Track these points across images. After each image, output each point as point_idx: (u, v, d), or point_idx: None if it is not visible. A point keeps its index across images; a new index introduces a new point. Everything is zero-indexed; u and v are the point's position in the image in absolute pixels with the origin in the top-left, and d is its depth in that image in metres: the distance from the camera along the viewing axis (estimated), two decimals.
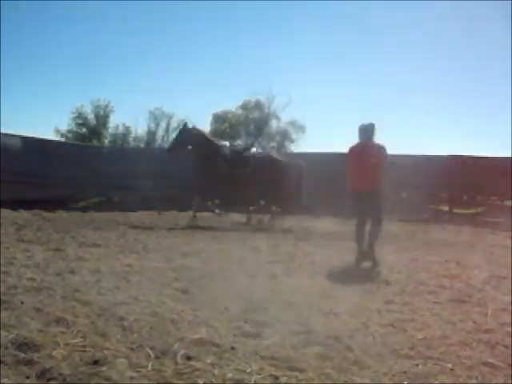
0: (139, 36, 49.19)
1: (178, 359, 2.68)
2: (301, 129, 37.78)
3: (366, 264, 5.79)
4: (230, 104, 39.43)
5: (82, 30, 47.65)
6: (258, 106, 37.71)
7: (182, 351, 2.77)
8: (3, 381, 2.34)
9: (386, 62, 47.12)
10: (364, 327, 3.40)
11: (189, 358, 2.69)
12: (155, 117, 37.08)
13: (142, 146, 34.84)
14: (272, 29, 45.91)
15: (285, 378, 2.51)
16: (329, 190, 11.26)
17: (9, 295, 3.75)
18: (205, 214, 10.59)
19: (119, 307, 3.59)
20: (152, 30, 47.52)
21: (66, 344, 2.83)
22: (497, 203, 12.43)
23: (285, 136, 38.09)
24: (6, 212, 9.14)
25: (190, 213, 9.97)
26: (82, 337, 2.96)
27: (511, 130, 47.72)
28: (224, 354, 2.79)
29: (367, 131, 6.06)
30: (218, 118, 37.48)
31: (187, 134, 10.06)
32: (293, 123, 37.69)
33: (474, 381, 2.58)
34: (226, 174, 9.77)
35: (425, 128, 47.35)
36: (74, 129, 34.92)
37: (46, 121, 48.45)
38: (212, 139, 10.67)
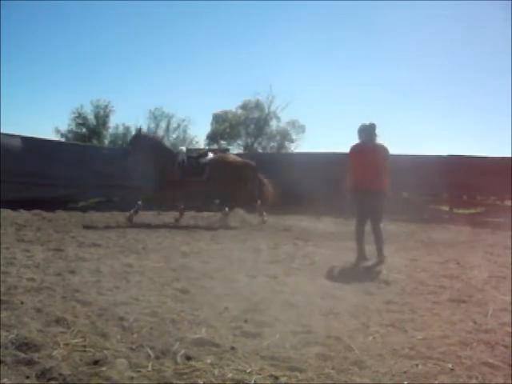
0: (139, 36, 49.28)
1: (178, 359, 2.68)
2: (301, 129, 37.83)
3: (367, 264, 5.79)
4: (230, 104, 39.53)
5: (83, 30, 47.74)
6: (258, 106, 37.73)
7: (182, 351, 2.77)
8: (3, 381, 2.34)
9: (385, 62, 47.18)
10: (364, 327, 3.40)
11: (189, 358, 2.70)
12: (155, 117, 37.12)
13: None
14: (272, 29, 45.99)
15: (285, 378, 2.52)
16: (329, 190, 11.26)
17: (9, 295, 3.75)
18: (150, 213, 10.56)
19: (119, 307, 3.60)
20: (152, 30, 47.59)
21: (66, 344, 2.83)
22: (497, 203, 12.43)
23: (285, 136, 38.10)
24: (5, 212, 9.13)
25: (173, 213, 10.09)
26: (81, 337, 2.96)
27: (511, 130, 47.77)
28: (224, 354, 2.79)
29: (370, 131, 6.07)
30: (218, 118, 37.50)
31: (141, 141, 9.76)
32: (293, 123, 37.73)
33: (473, 381, 2.58)
34: (182, 182, 9.59)
35: (425, 128, 47.41)
36: (74, 129, 34.97)
37: (45, 121, 48.50)
38: (167, 146, 10.49)
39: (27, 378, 2.40)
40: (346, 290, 4.47)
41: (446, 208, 12.67)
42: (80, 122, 34.98)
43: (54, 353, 2.68)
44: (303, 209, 11.18)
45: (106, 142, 34.60)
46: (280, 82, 60.40)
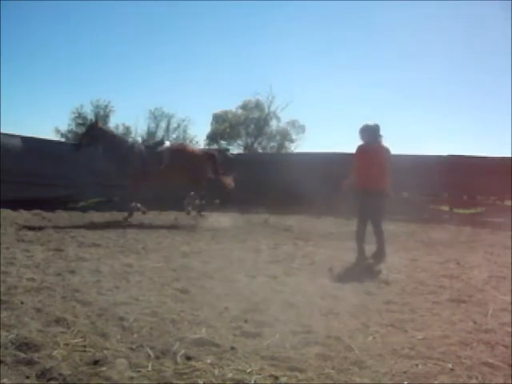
0: (139, 36, 49.29)
1: (178, 359, 2.68)
2: (301, 129, 37.83)
3: (367, 264, 5.80)
4: (230, 104, 39.54)
5: (83, 30, 47.75)
6: (258, 106, 37.73)
7: (182, 351, 2.77)
8: (3, 381, 2.34)
9: (385, 62, 47.17)
10: (364, 327, 3.40)
11: (189, 358, 2.70)
12: (155, 117, 37.14)
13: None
14: (272, 29, 45.99)
15: (285, 378, 2.52)
16: (329, 190, 11.26)
17: (9, 295, 3.75)
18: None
19: (119, 307, 3.60)
20: (152, 30, 47.59)
21: (66, 344, 2.83)
22: (497, 203, 12.43)
23: (285, 136, 38.11)
24: (5, 212, 9.13)
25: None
26: (81, 337, 2.96)
27: (511, 130, 47.77)
28: (224, 353, 2.79)
29: (374, 132, 6.10)
30: (218, 118, 37.51)
31: (95, 133, 9.28)
32: (293, 123, 37.73)
33: (474, 381, 2.58)
34: (141, 173, 9.25)
35: (425, 128, 47.42)
36: (74, 129, 34.97)
37: (46, 121, 48.50)
38: (122, 137, 9.98)
39: (27, 377, 2.40)
40: (346, 289, 4.47)
41: (445, 208, 12.66)
42: (80, 121, 34.98)
43: (54, 353, 2.69)
44: (303, 209, 11.18)
45: None
46: (280, 82, 60.48)
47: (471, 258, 6.41)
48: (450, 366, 2.74)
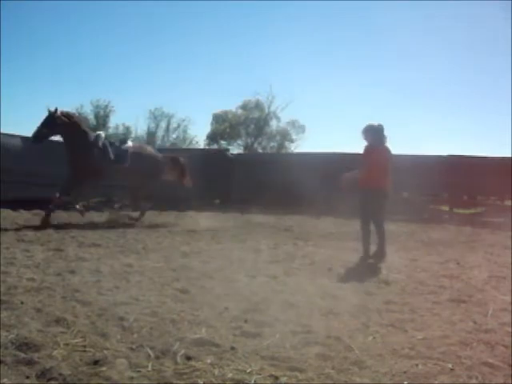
0: (139, 36, 49.30)
1: (178, 359, 2.68)
2: (301, 129, 37.84)
3: (367, 263, 5.80)
4: (230, 104, 39.54)
5: (83, 30, 47.76)
6: (258, 106, 37.74)
7: (182, 351, 2.77)
8: (3, 381, 2.34)
9: (385, 62, 47.17)
10: (364, 327, 3.40)
11: (189, 358, 2.70)
12: (155, 117, 37.14)
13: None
14: (272, 29, 45.99)
15: (285, 378, 2.52)
16: (329, 190, 11.27)
17: (9, 295, 3.75)
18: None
19: (119, 307, 3.59)
20: (152, 30, 47.60)
21: (66, 344, 2.83)
22: (497, 203, 12.43)
23: (285, 136, 38.11)
24: (6, 212, 9.14)
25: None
26: (81, 337, 2.96)
27: (511, 130, 47.77)
28: (224, 354, 2.79)
29: (379, 132, 6.16)
30: (218, 118, 37.51)
31: (54, 122, 8.47)
32: (293, 123, 37.74)
33: (473, 381, 2.58)
34: (102, 171, 8.79)
35: (425, 128, 47.42)
36: None
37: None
38: (85, 129, 9.10)
39: (27, 378, 2.40)
40: (346, 289, 4.47)
41: (445, 208, 12.66)
42: None
43: (54, 353, 2.68)
44: (303, 209, 11.19)
45: None
46: (280, 82, 60.47)
47: (471, 258, 6.41)
48: (450, 365, 2.74)
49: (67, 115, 8.75)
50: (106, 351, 2.74)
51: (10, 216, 8.89)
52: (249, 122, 37.84)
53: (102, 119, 35.45)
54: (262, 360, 2.73)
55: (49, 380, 2.39)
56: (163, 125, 37.74)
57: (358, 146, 6.81)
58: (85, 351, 2.74)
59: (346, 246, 6.59)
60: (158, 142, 36.65)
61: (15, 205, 9.72)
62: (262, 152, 34.42)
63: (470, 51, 44.09)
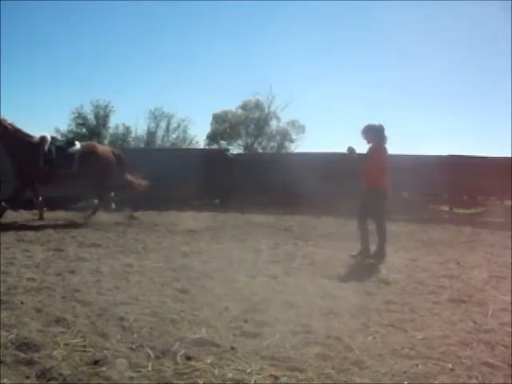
0: (139, 36, 49.32)
1: (178, 359, 2.68)
2: (301, 129, 37.83)
3: (367, 263, 5.81)
4: (230, 104, 39.53)
5: (83, 30, 47.77)
6: (258, 106, 37.73)
7: (182, 351, 2.77)
8: (3, 381, 2.34)
9: (385, 62, 47.19)
10: (364, 327, 3.40)
11: (189, 358, 2.70)
12: (155, 117, 37.13)
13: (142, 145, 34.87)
14: (272, 29, 45.98)
15: (285, 378, 2.52)
16: (329, 191, 11.26)
17: (9, 295, 3.75)
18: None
19: (119, 307, 3.60)
20: (152, 30, 47.61)
21: (66, 344, 2.83)
22: (497, 203, 12.42)
23: (285, 136, 38.10)
24: (6, 212, 9.12)
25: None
26: (81, 337, 2.96)
27: (511, 130, 47.79)
28: (224, 354, 2.79)
29: (380, 132, 6.21)
30: (218, 118, 37.49)
31: None
32: (293, 123, 37.73)
33: (474, 381, 2.58)
34: (49, 176, 8.41)
35: (425, 128, 47.42)
36: (74, 129, 34.97)
37: (46, 121, 48.43)
38: (26, 134, 8.72)
39: (27, 378, 2.41)
40: (346, 289, 4.47)
41: (445, 208, 12.65)
42: (80, 121, 35.01)
43: (54, 353, 2.69)
44: (303, 209, 11.18)
45: (106, 141, 34.59)
46: (280, 82, 60.46)
47: (471, 258, 6.41)
48: (450, 365, 2.74)
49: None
50: (105, 351, 2.74)
51: (10, 216, 8.87)
52: (249, 121, 37.83)
53: (101, 119, 35.41)
54: (261, 360, 2.73)
55: (49, 380, 2.39)
56: (163, 125, 37.72)
57: (358, 146, 6.78)
58: (85, 351, 2.75)
59: (346, 246, 6.58)
60: (158, 142, 36.64)
61: (15, 205, 9.71)
62: (262, 152, 34.40)
63: (470, 51, 44.08)
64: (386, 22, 43.75)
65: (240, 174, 12.74)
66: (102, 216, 8.97)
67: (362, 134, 6.24)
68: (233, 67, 49.78)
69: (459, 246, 7.70)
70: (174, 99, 56.57)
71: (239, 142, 38.47)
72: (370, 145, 6.26)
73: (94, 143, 10.23)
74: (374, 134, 6.19)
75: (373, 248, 6.19)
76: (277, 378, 2.51)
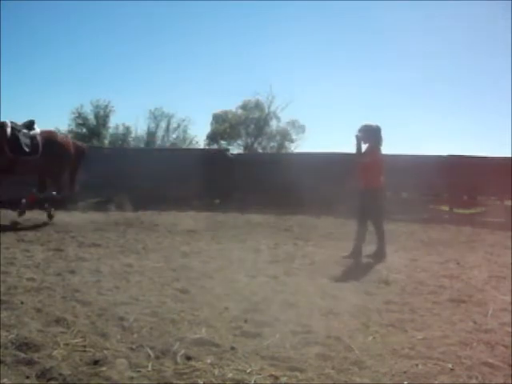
0: (139, 36, 49.31)
1: (178, 359, 2.68)
2: (301, 129, 37.82)
3: (367, 264, 5.81)
4: (230, 104, 39.51)
5: (83, 30, 47.77)
6: (258, 106, 37.71)
7: (182, 351, 2.77)
8: (3, 381, 2.34)
9: (385, 62, 47.20)
10: (364, 327, 3.40)
11: (189, 358, 2.70)
12: (155, 117, 37.10)
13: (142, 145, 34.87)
14: (272, 29, 45.95)
15: (285, 378, 2.52)
16: (329, 191, 11.26)
17: (9, 295, 3.75)
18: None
19: (119, 307, 3.60)
20: (152, 30, 47.59)
21: (66, 344, 2.83)
22: (497, 203, 12.42)
23: (285, 136, 38.09)
24: (6, 212, 9.13)
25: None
26: (81, 337, 2.96)
27: (511, 130, 47.78)
28: (224, 354, 2.79)
29: (378, 133, 6.26)
30: (218, 118, 37.48)
31: None
32: (293, 123, 37.71)
33: (473, 381, 2.58)
34: (13, 162, 7.76)
35: (425, 128, 47.39)
36: (74, 129, 34.96)
37: (46, 121, 48.42)
38: None
39: (27, 378, 2.40)
40: (346, 289, 4.48)
41: (445, 208, 12.65)
42: (80, 122, 34.98)
43: (54, 353, 2.69)
44: (303, 209, 11.18)
45: (106, 142, 34.59)
46: (280, 82, 60.44)
47: (471, 258, 6.41)
48: (450, 365, 2.74)
49: None
50: (106, 351, 2.74)
51: (10, 216, 8.87)
52: (249, 121, 37.81)
53: (102, 119, 35.38)
54: (261, 360, 2.73)
55: (49, 380, 2.39)
56: (163, 125, 37.68)
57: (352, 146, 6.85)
58: (85, 351, 2.75)
59: (346, 246, 6.57)
60: (158, 142, 36.63)
61: (15, 205, 9.71)
62: (262, 152, 34.40)
63: (470, 51, 44.04)
64: (386, 22, 43.72)
65: (240, 174, 12.74)
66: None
67: (360, 133, 6.27)
68: (233, 67, 49.79)
69: (459, 246, 7.70)
70: (174, 99, 56.57)
71: (239, 141, 38.47)
72: (367, 145, 6.29)
73: (54, 130, 9.45)
74: (373, 135, 6.23)
75: (372, 249, 6.20)
76: (277, 377, 2.51)
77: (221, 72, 47.03)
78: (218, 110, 37.79)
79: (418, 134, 44.52)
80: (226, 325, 3.32)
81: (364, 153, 6.31)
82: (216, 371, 2.55)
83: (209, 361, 2.67)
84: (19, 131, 7.90)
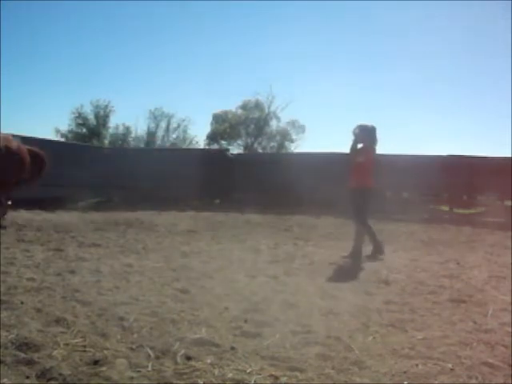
0: (139, 36, 49.26)
1: (178, 359, 2.68)
2: (301, 129, 37.81)
3: (367, 264, 5.81)
4: (230, 104, 39.49)
5: (82, 30, 47.75)
6: (258, 106, 37.70)
7: (182, 351, 2.77)
8: (3, 381, 2.34)
9: (385, 62, 47.18)
10: (364, 327, 3.40)
11: (189, 358, 2.70)
12: (155, 117, 37.08)
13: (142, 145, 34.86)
14: (272, 29, 45.89)
15: (285, 378, 2.51)
16: (329, 191, 11.27)
17: (9, 295, 3.75)
18: None
19: (119, 307, 3.60)
20: (152, 30, 47.56)
21: (66, 344, 2.83)
22: (497, 203, 12.42)
23: (285, 136, 38.08)
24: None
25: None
26: (81, 337, 2.96)
27: (511, 130, 47.77)
28: (224, 354, 2.79)
29: (373, 133, 6.31)
30: (218, 118, 37.47)
31: None
32: (293, 123, 37.70)
33: (473, 381, 2.58)
34: None
35: (425, 128, 47.35)
36: (74, 129, 34.95)
37: (45, 121, 48.38)
38: None
39: (27, 378, 2.40)
40: (346, 289, 4.47)
41: (445, 208, 12.67)
42: (80, 122, 34.96)
43: (54, 353, 2.68)
44: (303, 209, 11.19)
45: (106, 142, 34.58)
46: (280, 82, 60.37)
47: (471, 258, 6.42)
48: (450, 365, 2.74)
49: None
50: (105, 351, 2.74)
51: (9, 216, 8.87)
52: (249, 121, 37.79)
53: (102, 119, 35.34)
54: (262, 360, 2.73)
55: (49, 380, 2.39)
56: (163, 125, 37.63)
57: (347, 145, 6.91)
58: (85, 351, 2.74)
59: (346, 246, 6.58)
60: (158, 142, 36.62)
61: (15, 205, 9.71)
62: (261, 152, 34.40)
63: (470, 51, 43.99)
64: (386, 22, 43.66)
65: (240, 174, 12.76)
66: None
67: (357, 132, 6.30)
68: (233, 67, 49.70)
69: (459, 245, 7.70)
70: (174, 99, 56.43)
71: (239, 141, 38.44)
72: (361, 145, 6.32)
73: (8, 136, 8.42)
74: (369, 135, 6.26)
75: (369, 249, 6.23)
76: (277, 377, 2.51)
77: (221, 72, 47.03)
78: (218, 110, 37.78)
79: (418, 134, 44.45)
80: (225, 325, 3.32)
81: (358, 152, 6.32)
82: (216, 371, 2.55)
83: (209, 361, 2.67)
84: None
